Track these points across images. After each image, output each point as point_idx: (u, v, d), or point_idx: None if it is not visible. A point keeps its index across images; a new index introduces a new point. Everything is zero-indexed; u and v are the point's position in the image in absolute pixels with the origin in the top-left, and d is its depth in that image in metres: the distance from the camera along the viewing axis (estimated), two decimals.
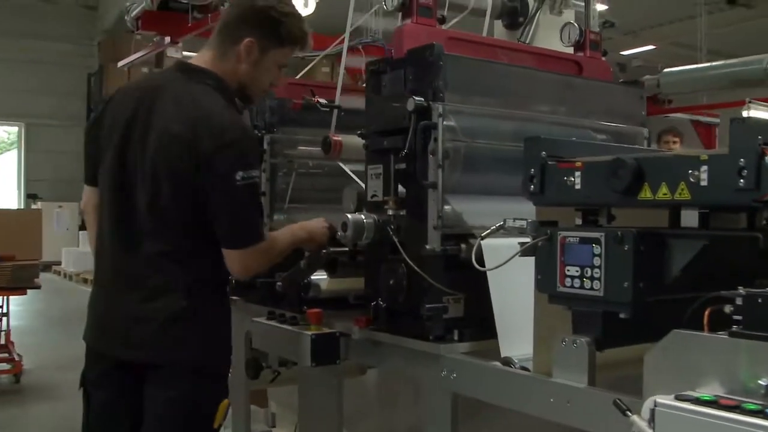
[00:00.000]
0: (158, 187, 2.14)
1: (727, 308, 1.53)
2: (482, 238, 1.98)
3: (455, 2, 2.92)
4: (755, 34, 12.75)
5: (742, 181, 1.48)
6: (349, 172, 2.68)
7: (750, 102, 7.07)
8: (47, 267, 13.50)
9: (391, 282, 2.23)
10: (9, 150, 18.89)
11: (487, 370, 1.97)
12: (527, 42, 3.00)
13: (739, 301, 1.43)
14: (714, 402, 1.34)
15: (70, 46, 16.28)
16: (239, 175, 2.07)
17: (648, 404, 1.45)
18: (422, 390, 2.21)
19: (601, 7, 3.17)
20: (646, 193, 1.66)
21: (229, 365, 2.36)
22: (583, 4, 3.15)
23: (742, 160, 1.48)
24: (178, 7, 4.76)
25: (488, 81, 2.30)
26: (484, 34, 2.90)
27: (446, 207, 2.14)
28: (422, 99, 2.09)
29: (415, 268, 2.12)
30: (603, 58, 2.70)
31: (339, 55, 5.97)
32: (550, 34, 3.03)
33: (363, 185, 2.59)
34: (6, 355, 6.41)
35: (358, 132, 2.41)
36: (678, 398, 1.38)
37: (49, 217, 13.74)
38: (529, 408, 1.86)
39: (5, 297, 6.17)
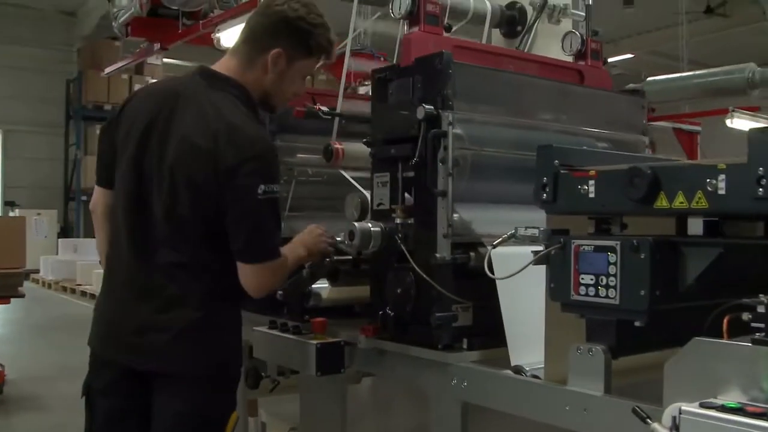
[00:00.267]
0: (176, 196, 2.11)
1: (745, 316, 1.54)
2: (494, 247, 1.99)
3: (454, 11, 2.92)
4: (731, 43, 12.94)
5: (761, 190, 1.50)
6: (352, 180, 2.67)
7: (733, 111, 7.18)
8: (26, 275, 13.32)
9: (398, 291, 2.22)
10: None
11: (500, 378, 1.97)
12: (526, 50, 3.02)
13: (761, 309, 1.45)
14: (740, 409, 1.35)
15: (48, 52, 16.12)
16: (261, 188, 2.04)
17: (670, 412, 1.45)
18: (430, 398, 2.19)
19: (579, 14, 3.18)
20: (662, 202, 1.67)
21: (239, 377, 2.34)
22: (581, 13, 3.18)
23: (761, 169, 1.50)
24: (167, 14, 4.73)
25: (495, 89, 2.30)
26: (483, 42, 2.91)
27: (454, 215, 2.14)
28: (432, 107, 2.08)
29: (425, 276, 2.12)
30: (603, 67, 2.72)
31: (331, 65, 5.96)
32: (548, 43, 3.05)
33: (365, 193, 2.59)
34: None
35: (363, 140, 2.41)
36: (703, 406, 1.39)
37: (28, 225, 13.54)
38: (544, 416, 1.86)
39: None
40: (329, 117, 2.74)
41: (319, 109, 2.76)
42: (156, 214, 2.15)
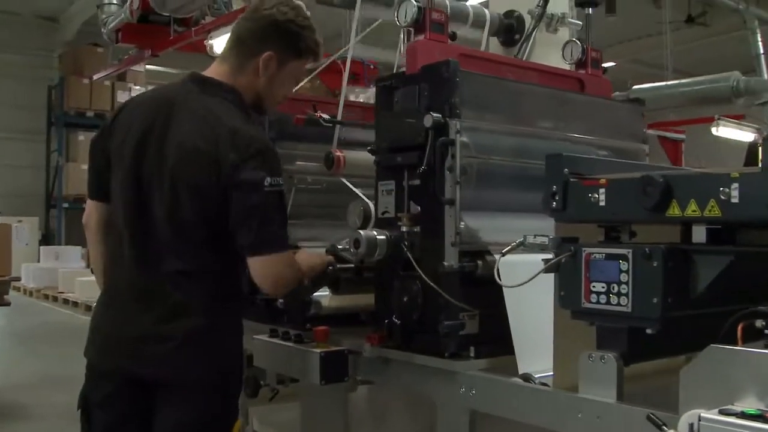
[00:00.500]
0: (178, 202, 2.10)
1: (759, 323, 1.56)
2: (503, 255, 1.99)
3: (454, 19, 2.93)
4: (712, 52, 13.08)
5: None
6: (353, 189, 2.67)
7: (719, 119, 7.26)
8: None
9: (405, 299, 2.22)
10: None
11: (511, 386, 1.97)
12: (524, 59, 3.03)
13: None
14: (760, 416, 1.36)
15: (29, 58, 15.95)
16: (267, 180, 2.05)
17: (687, 419, 1.46)
18: (437, 406, 2.18)
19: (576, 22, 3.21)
20: (674, 210, 1.69)
21: (242, 384, 2.32)
22: (578, 22, 3.20)
23: None
24: (158, 20, 4.70)
25: (500, 97, 2.31)
26: (481, 50, 2.93)
27: (461, 223, 2.14)
28: (439, 115, 2.09)
29: (432, 284, 2.12)
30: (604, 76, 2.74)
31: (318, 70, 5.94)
32: (546, 52, 3.07)
33: (367, 201, 2.59)
34: None
35: (368, 148, 2.41)
36: (722, 413, 1.40)
37: None
38: (555, 424, 1.86)
39: None
40: (330, 124, 2.74)
41: (320, 116, 2.75)
42: (158, 221, 2.13)
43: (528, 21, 3.06)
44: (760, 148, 6.94)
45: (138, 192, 2.16)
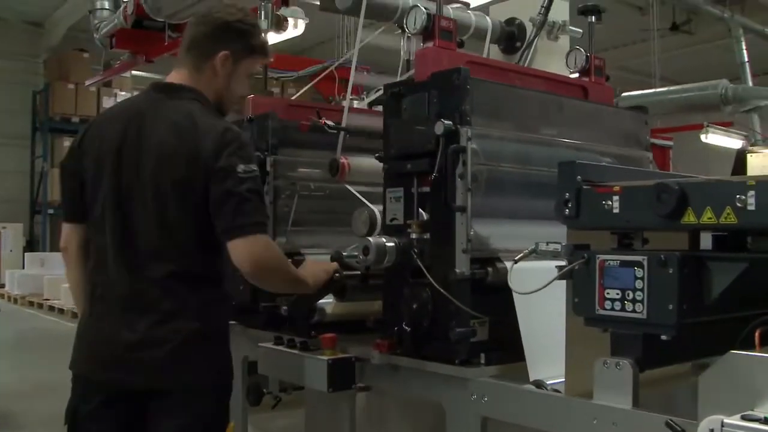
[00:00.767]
0: (163, 205, 2.14)
1: None
2: (516, 262, 2.00)
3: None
4: (697, 60, 13.20)
5: None
6: (359, 196, 2.67)
7: (708, 126, 7.33)
8: None
9: (414, 306, 2.22)
10: None
11: (524, 393, 1.97)
12: (526, 66, 3.05)
13: None
14: None
15: (14, 64, 15.79)
16: (241, 167, 2.12)
17: (708, 424, 1.47)
18: (447, 413, 2.18)
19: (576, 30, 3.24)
20: (689, 218, 1.70)
21: (232, 386, 2.35)
22: (579, 30, 3.23)
23: None
24: (153, 26, 4.67)
25: (508, 105, 2.32)
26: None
27: (471, 230, 2.15)
28: (451, 122, 2.09)
29: (443, 292, 2.12)
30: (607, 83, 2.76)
31: (309, 77, 5.94)
32: (546, 59, 3.09)
33: (372, 208, 2.59)
34: None
35: (375, 155, 2.41)
36: (745, 418, 1.41)
37: None
38: (570, 430, 1.86)
39: None
40: (335, 131, 2.74)
41: (325, 123, 2.75)
42: (144, 229, 2.16)
43: (529, 29, 3.07)
44: (747, 156, 7.02)
45: (120, 203, 2.19)
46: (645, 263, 1.74)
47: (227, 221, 2.11)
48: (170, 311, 2.15)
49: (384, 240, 2.27)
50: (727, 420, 1.42)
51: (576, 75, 2.90)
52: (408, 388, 2.32)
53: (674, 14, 12.32)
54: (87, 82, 8.48)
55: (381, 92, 3.48)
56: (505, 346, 2.15)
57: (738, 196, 1.61)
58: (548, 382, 2.00)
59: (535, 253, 1.99)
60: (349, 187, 2.73)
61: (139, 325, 2.14)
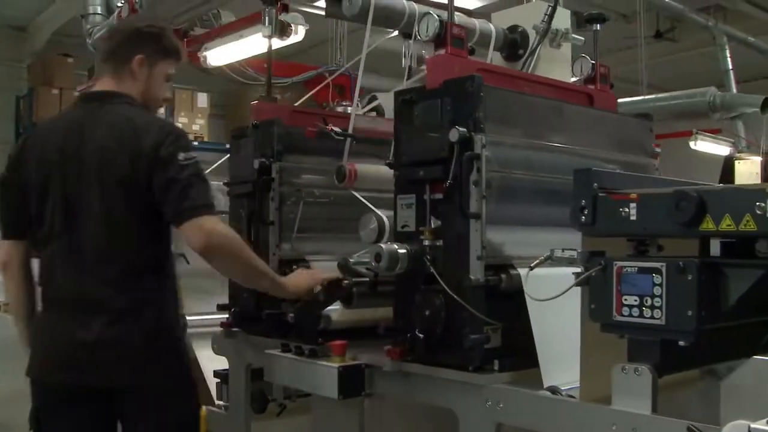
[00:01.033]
0: (111, 206, 2.21)
1: None
2: (532, 269, 2.01)
3: None
4: (682, 67, 13.28)
5: None
6: (366, 203, 2.66)
7: (697, 133, 7.40)
8: None
9: (427, 313, 2.22)
10: None
11: (542, 399, 1.98)
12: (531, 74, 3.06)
13: None
14: None
15: None
16: (181, 155, 2.22)
17: (731, 429, 1.48)
18: (461, 420, 2.18)
19: (579, 38, 3.26)
20: (708, 225, 1.71)
21: (192, 375, 2.44)
22: (581, 38, 3.25)
23: None
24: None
25: (519, 112, 2.33)
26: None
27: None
28: (465, 129, 2.10)
29: (457, 298, 2.12)
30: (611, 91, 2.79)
31: (304, 83, 5.91)
32: (549, 66, 3.11)
33: (380, 214, 2.59)
34: None
35: (386, 161, 2.41)
36: None
37: None
38: None
39: None
40: (341, 138, 2.74)
41: (331, 129, 2.75)
42: (95, 231, 2.22)
43: (532, 36, 3.09)
44: (735, 162, 7.11)
45: (68, 211, 2.25)
46: (663, 270, 1.75)
47: (174, 207, 2.20)
48: (124, 309, 2.22)
49: (396, 246, 2.26)
50: (754, 425, 1.43)
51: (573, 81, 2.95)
52: (419, 394, 2.31)
53: (658, 22, 12.41)
54: (79, 88, 8.35)
55: (378, 101, 3.50)
56: (518, 353, 2.16)
57: (758, 203, 1.63)
58: (564, 388, 2.01)
59: (551, 260, 2.00)
60: (355, 194, 2.73)
61: (94, 325, 2.19)
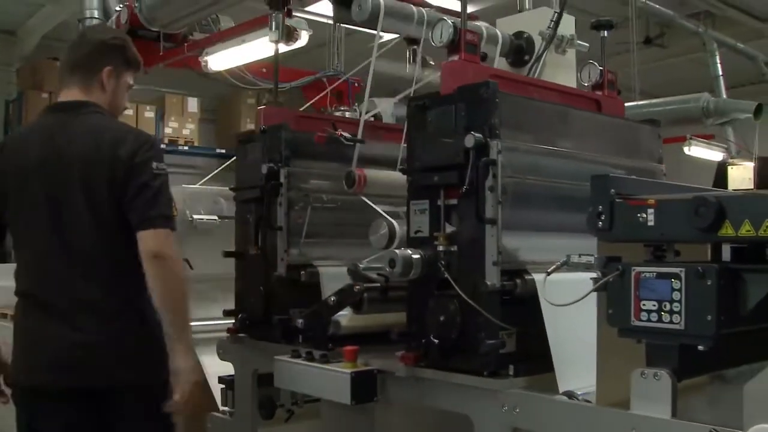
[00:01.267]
0: (97, 209, 2.28)
1: None
2: (549, 274, 2.02)
3: None
4: (671, 73, 13.36)
5: None
6: (376, 208, 2.67)
7: (690, 138, 7.45)
8: None
9: (442, 318, 2.22)
10: None
11: (559, 404, 1.98)
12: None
13: None
14: None
15: None
16: (155, 164, 2.32)
17: None
18: (475, 425, 2.18)
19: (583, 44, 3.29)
20: (727, 230, 1.73)
21: None
22: (586, 44, 3.27)
23: None
24: (147, 36, 4.65)
25: (532, 118, 2.34)
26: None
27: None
28: (480, 135, 2.11)
29: (473, 304, 2.13)
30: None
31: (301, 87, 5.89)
32: (554, 72, 3.13)
33: (391, 220, 2.60)
34: None
35: (399, 167, 2.41)
36: None
37: None
38: None
39: None
40: (351, 143, 2.74)
41: (341, 135, 2.76)
42: (82, 231, 2.28)
43: (538, 42, 3.11)
44: (728, 168, 7.17)
45: (52, 214, 2.30)
46: (682, 275, 1.76)
47: (140, 213, 2.28)
48: (116, 309, 2.28)
49: (410, 252, 2.27)
50: None
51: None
52: (433, 400, 2.32)
53: (648, 28, 12.49)
54: None
55: (377, 109, 3.51)
56: (532, 357, 2.17)
57: None
58: (580, 393, 2.01)
59: (567, 265, 2.01)
60: (365, 199, 2.73)
61: (88, 326, 2.25)
